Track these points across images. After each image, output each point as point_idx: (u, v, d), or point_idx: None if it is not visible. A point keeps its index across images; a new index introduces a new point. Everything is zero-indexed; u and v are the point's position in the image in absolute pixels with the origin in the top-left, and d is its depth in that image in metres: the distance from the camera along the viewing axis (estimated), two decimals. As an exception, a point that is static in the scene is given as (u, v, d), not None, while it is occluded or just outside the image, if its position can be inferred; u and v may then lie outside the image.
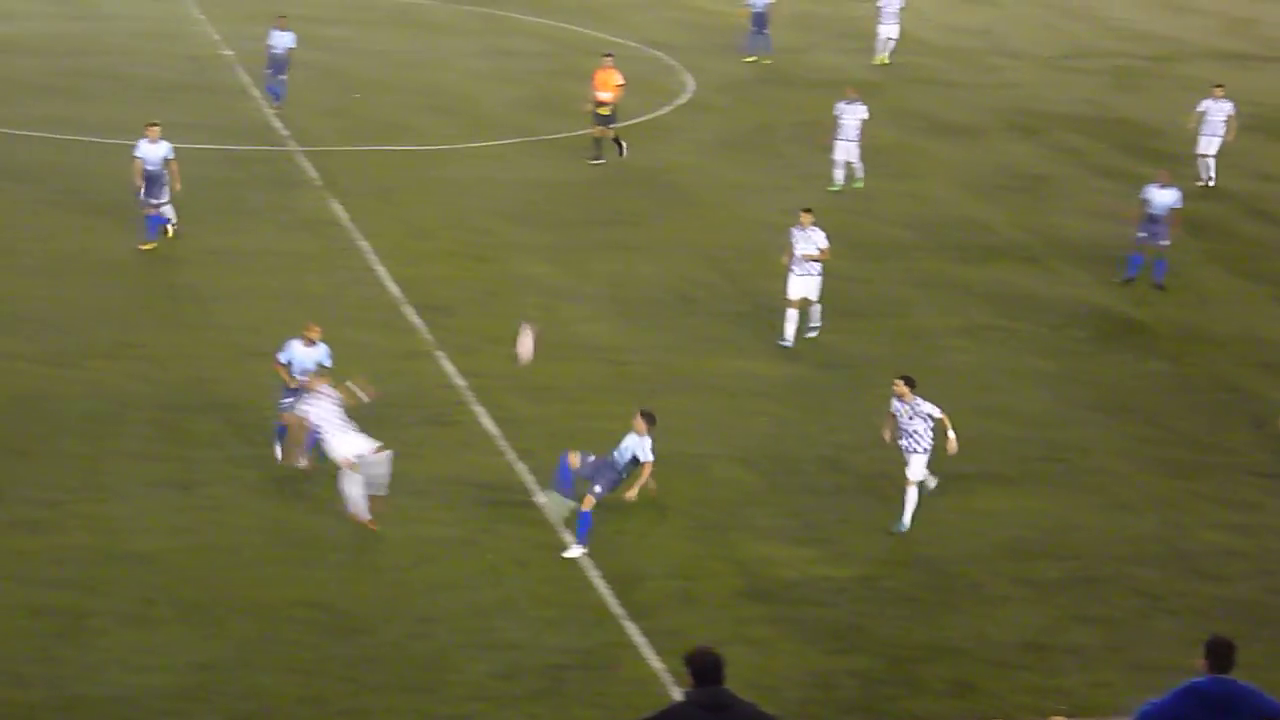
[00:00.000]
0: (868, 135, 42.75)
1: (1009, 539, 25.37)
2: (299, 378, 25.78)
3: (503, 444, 27.42)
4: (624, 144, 44.03)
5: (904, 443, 24.99)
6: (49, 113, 45.53)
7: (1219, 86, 45.87)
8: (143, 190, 34.88)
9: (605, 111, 43.55)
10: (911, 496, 25.11)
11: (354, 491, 24.22)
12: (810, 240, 31.77)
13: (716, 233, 38.87)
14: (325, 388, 24.82)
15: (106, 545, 23.61)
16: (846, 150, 42.36)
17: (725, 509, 25.74)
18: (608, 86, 43.49)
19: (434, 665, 21.32)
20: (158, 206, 35.09)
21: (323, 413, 24.45)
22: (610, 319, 33.34)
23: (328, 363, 25.84)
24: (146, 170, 34.78)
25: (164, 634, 21.50)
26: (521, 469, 26.56)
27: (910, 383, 24.90)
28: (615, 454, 24.26)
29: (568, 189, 41.91)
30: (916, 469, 25.02)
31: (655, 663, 21.48)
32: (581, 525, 24.06)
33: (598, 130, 43.79)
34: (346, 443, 24.26)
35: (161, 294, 33.07)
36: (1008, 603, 23.57)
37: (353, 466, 24.09)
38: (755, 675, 20.56)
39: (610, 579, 23.41)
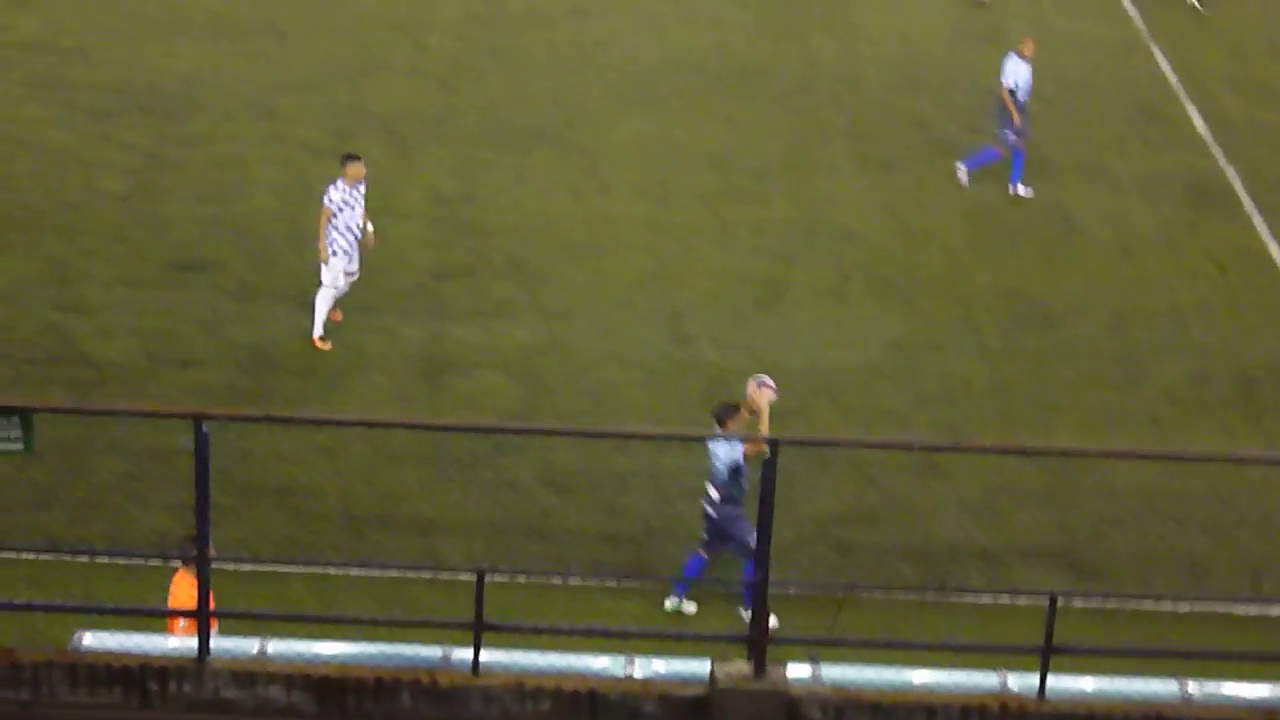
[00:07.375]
0: None
1: None
2: None
3: (1212, 144, 26.55)
4: None
5: None
6: None
7: None
8: None
9: None
10: None
11: None
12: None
13: None
14: None
15: (808, 219, 24.09)
16: None
17: None
18: None
19: (1126, 363, 21.06)
20: None
21: None
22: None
23: None
24: None
25: (858, 310, 21.89)
26: (1231, 172, 25.69)
27: None
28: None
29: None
30: None
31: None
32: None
33: None
34: None
35: None
36: None
37: None
38: None
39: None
